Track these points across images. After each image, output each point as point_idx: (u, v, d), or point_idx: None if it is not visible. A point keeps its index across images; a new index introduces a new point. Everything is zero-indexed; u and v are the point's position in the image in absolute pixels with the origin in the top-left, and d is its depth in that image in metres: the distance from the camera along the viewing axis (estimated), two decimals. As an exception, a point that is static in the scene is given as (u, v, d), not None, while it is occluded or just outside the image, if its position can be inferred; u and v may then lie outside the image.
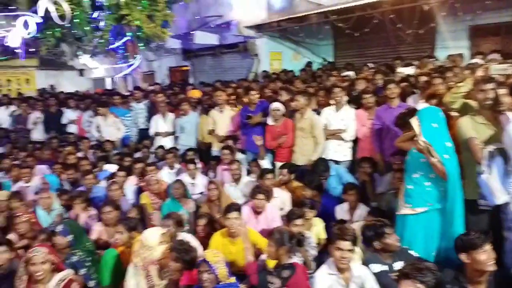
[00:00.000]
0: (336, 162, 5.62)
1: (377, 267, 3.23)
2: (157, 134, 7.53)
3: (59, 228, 3.90)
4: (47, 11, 7.24)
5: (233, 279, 3.13)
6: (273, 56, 12.28)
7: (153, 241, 3.53)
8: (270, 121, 6.00)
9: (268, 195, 4.84)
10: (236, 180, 5.59)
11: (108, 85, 18.18)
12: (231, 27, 11.94)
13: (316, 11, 9.80)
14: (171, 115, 7.58)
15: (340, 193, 5.07)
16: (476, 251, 2.90)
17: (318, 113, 5.91)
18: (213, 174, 6.39)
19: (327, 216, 4.79)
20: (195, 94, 8.91)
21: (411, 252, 3.47)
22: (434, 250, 3.65)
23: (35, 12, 8.38)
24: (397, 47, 9.87)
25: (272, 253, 3.43)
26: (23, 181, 6.32)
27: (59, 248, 3.86)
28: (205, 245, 4.05)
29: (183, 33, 13.29)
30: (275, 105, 5.93)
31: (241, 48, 12.53)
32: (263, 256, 3.97)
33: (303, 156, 5.70)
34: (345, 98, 5.90)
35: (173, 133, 7.52)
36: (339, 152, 5.69)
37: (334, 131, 5.69)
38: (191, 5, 12.89)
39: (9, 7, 11.38)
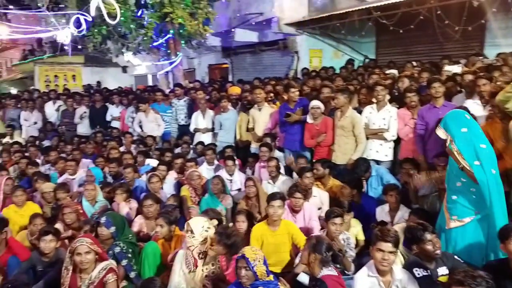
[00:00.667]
0: (377, 162, 5.51)
1: (420, 272, 3.12)
2: (197, 130, 7.64)
3: (103, 219, 4.02)
4: (97, 9, 7.42)
5: (271, 277, 3.12)
6: (313, 54, 12.14)
7: (196, 228, 3.61)
8: (309, 119, 5.93)
9: (306, 194, 4.80)
10: (274, 177, 5.57)
11: (150, 82, 18.61)
12: (271, 25, 11.89)
13: (358, 8, 9.60)
14: (210, 112, 7.66)
15: (380, 194, 4.96)
16: (508, 241, 2.96)
17: (360, 111, 5.79)
18: (250, 171, 6.41)
19: (367, 217, 4.70)
20: (235, 90, 8.93)
21: (457, 257, 3.34)
22: (483, 255, 3.51)
23: (85, 10, 8.64)
24: (443, 45, 9.51)
25: (304, 258, 3.40)
26: (68, 174, 6.56)
27: (102, 239, 3.98)
28: (244, 241, 4.05)
29: (223, 30, 13.38)
30: (315, 103, 5.85)
31: (281, 45, 12.47)
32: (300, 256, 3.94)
33: (343, 155, 5.60)
34: (387, 96, 5.76)
35: (212, 130, 7.60)
36: (381, 152, 5.56)
37: (376, 131, 5.56)
38: (231, 2, 12.96)
39: (59, 6, 11.82)
